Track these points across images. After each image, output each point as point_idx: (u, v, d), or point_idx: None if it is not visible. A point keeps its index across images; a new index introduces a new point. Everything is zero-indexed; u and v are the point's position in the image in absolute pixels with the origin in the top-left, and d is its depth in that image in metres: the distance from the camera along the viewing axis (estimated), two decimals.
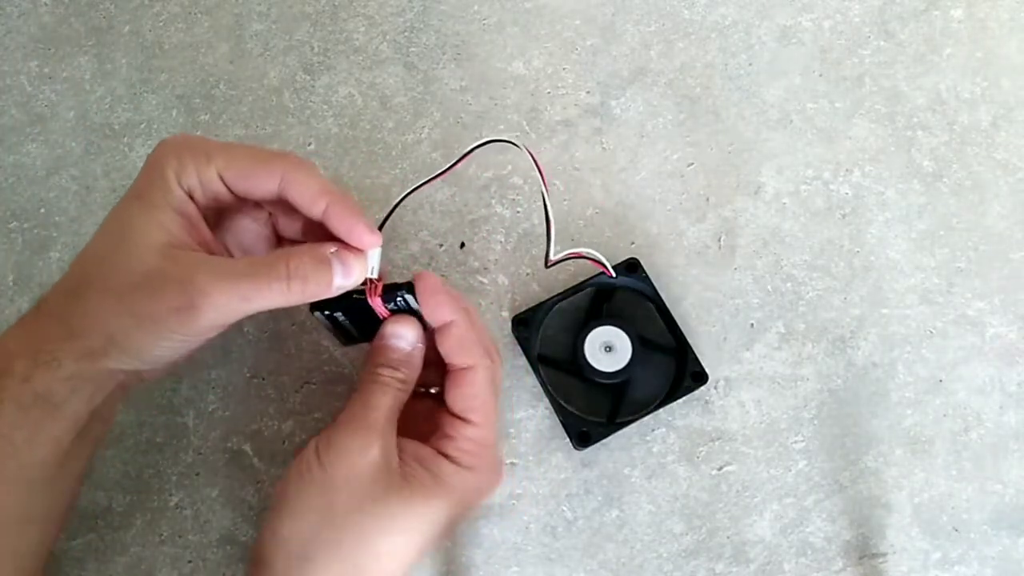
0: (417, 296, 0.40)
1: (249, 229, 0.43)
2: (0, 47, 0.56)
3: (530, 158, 0.42)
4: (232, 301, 0.36)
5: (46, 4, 0.57)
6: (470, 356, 0.41)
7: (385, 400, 0.39)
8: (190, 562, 0.46)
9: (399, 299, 0.41)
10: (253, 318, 0.50)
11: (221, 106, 0.55)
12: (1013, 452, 0.49)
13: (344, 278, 0.39)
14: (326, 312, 0.42)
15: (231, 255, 0.43)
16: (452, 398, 0.41)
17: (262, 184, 0.39)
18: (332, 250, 0.39)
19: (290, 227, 0.44)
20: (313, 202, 0.39)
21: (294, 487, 0.38)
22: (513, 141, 0.42)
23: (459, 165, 0.44)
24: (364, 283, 0.41)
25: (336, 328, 0.44)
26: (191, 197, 0.38)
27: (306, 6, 0.57)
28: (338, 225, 0.39)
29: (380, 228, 0.41)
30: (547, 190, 0.43)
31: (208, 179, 0.38)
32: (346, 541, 0.37)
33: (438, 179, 0.43)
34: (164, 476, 0.48)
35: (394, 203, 0.42)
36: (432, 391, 0.43)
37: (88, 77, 0.55)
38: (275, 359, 0.50)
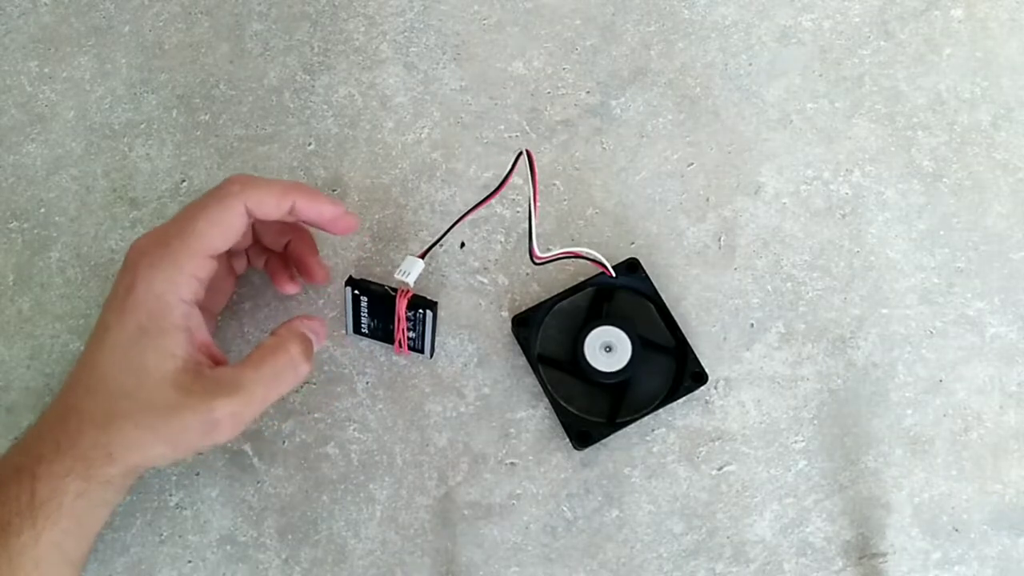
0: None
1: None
2: (0, 47, 0.56)
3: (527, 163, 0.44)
4: (250, 411, 0.41)
5: (46, 4, 0.57)
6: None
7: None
8: (190, 562, 0.46)
9: (419, 312, 0.46)
10: (253, 318, 0.50)
11: (221, 106, 0.55)
12: (1013, 452, 0.49)
13: (319, 342, 0.45)
14: (356, 292, 0.47)
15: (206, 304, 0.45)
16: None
17: (243, 239, 0.44)
18: (302, 328, 0.44)
19: (256, 260, 0.50)
20: (278, 207, 0.43)
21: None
22: (523, 152, 0.44)
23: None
24: (400, 286, 0.45)
25: (353, 311, 0.48)
26: (193, 301, 0.41)
27: (306, 6, 0.57)
28: (310, 214, 0.44)
29: (425, 253, 0.46)
30: (534, 193, 0.44)
31: (206, 274, 0.42)
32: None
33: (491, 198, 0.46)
34: (164, 476, 0.48)
35: (446, 228, 0.46)
36: None
37: (88, 77, 0.55)
38: None
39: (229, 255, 0.48)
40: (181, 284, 0.40)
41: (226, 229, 0.42)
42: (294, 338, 0.42)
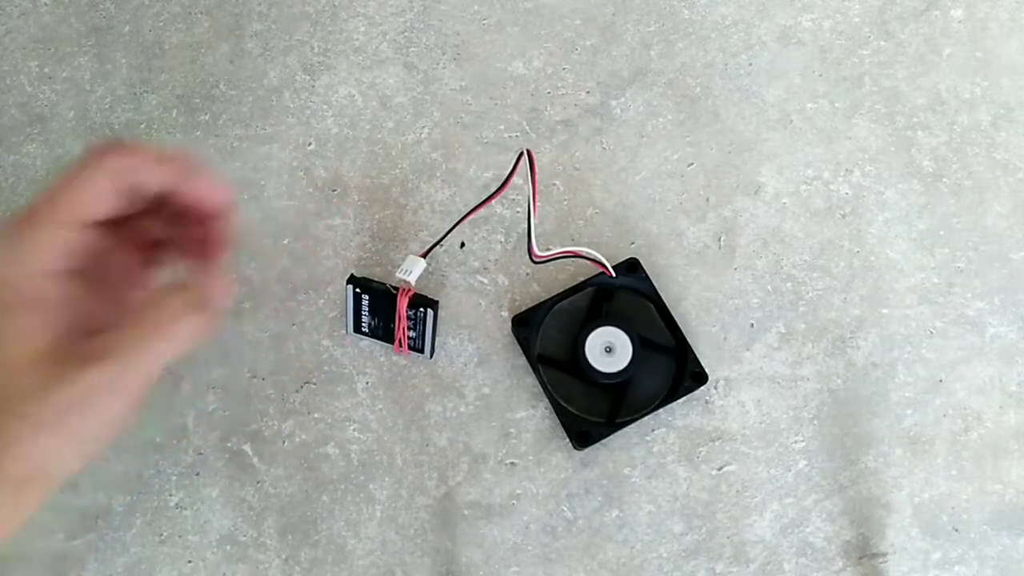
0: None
1: (120, 264, 0.40)
2: (0, 47, 0.56)
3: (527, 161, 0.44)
4: (132, 375, 0.35)
5: (46, 4, 0.57)
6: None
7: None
8: (190, 562, 0.46)
9: (420, 311, 0.46)
10: (253, 317, 0.50)
11: (221, 106, 0.55)
12: (1013, 452, 0.49)
13: (215, 293, 0.37)
14: (357, 290, 0.47)
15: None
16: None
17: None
18: (185, 282, 0.37)
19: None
20: (157, 176, 0.36)
21: None
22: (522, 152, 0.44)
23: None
24: (402, 285, 0.46)
25: (354, 310, 0.48)
26: (64, 270, 0.36)
27: (306, 6, 0.57)
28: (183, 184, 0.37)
29: (427, 253, 0.47)
30: (534, 193, 0.44)
31: (74, 241, 0.36)
32: None
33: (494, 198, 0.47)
34: (164, 476, 0.48)
35: (447, 228, 0.47)
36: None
37: (88, 77, 0.55)
38: (275, 359, 0.50)
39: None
40: (39, 254, 0.35)
41: (90, 188, 0.36)
42: (170, 291, 0.36)
